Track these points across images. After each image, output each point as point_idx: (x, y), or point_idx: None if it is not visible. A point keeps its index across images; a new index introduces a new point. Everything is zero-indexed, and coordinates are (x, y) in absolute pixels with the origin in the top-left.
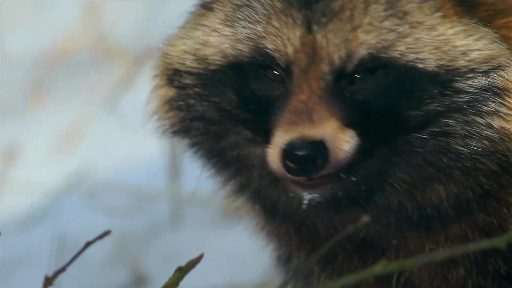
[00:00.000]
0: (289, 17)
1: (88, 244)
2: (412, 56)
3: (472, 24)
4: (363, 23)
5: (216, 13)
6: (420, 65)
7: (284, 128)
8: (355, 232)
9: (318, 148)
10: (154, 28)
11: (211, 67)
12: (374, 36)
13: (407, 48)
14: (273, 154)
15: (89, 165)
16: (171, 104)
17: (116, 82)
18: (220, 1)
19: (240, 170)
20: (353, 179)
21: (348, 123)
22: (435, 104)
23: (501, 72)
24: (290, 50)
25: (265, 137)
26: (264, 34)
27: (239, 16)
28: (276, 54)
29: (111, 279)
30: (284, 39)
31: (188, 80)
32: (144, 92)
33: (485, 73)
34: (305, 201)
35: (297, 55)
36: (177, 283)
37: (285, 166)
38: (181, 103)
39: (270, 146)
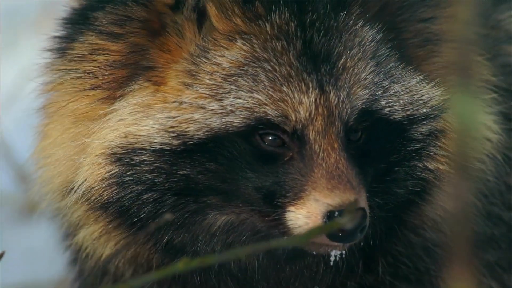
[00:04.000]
0: (300, 81)
1: None
2: (388, 110)
3: (423, 72)
4: (361, 78)
5: (195, 88)
6: (391, 117)
7: (323, 193)
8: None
9: (365, 218)
10: None
11: (191, 142)
12: (368, 91)
13: (386, 102)
14: (311, 219)
15: None
16: (112, 180)
17: None
18: (192, 73)
19: (182, 234)
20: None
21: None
22: (395, 155)
23: (443, 115)
24: (303, 114)
25: (263, 205)
26: (266, 102)
27: (229, 87)
28: (280, 120)
29: None
30: (296, 103)
31: (145, 157)
32: None
33: (435, 118)
34: (332, 258)
35: (312, 117)
36: None
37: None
38: (128, 178)
39: (300, 209)
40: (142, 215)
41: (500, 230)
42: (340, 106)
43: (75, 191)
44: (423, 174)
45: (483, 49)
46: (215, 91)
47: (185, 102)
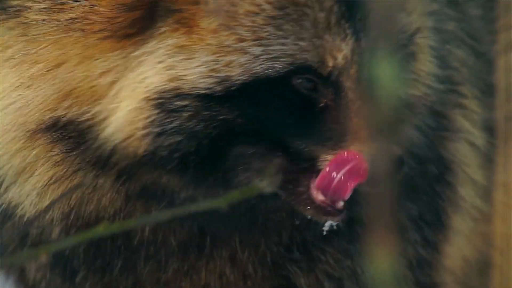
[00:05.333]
0: (340, 28)
1: None
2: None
3: None
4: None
5: (236, 31)
6: None
7: (366, 143)
8: None
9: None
10: None
11: (234, 87)
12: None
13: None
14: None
15: None
16: (150, 129)
17: None
18: (230, 15)
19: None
20: None
21: None
22: None
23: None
24: (341, 61)
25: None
26: (307, 48)
27: (272, 30)
28: (318, 66)
29: None
30: (334, 50)
31: (186, 103)
32: None
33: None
34: (326, 228)
35: (348, 65)
36: None
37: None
38: (169, 126)
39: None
40: (190, 165)
41: (425, 182)
42: (367, 53)
43: (105, 143)
44: None
45: None
46: (257, 34)
47: (227, 45)
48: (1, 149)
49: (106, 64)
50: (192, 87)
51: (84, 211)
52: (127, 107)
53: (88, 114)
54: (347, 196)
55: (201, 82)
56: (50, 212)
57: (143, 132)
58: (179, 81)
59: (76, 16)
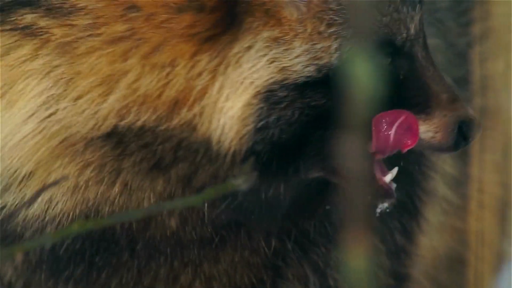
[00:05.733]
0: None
1: None
2: None
3: None
4: None
5: (323, 16)
6: None
7: (448, 107)
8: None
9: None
10: None
11: (329, 73)
12: None
13: None
14: (440, 133)
15: None
16: (254, 124)
17: None
18: (319, 3)
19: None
20: None
21: None
22: None
23: None
24: (413, 31)
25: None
26: (388, 23)
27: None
28: (395, 38)
29: None
30: (408, 21)
31: (286, 93)
32: None
33: None
34: (378, 209)
35: (418, 35)
36: None
37: (455, 139)
38: (271, 119)
39: (427, 125)
40: (259, 158)
41: (403, 169)
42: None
43: (206, 145)
44: None
45: None
46: (344, 17)
47: (319, 32)
48: (12, 156)
49: (195, 68)
50: (297, 77)
51: (102, 211)
52: (236, 105)
53: (175, 119)
54: (406, 149)
55: (305, 71)
56: (62, 212)
57: (249, 127)
58: (285, 72)
59: (134, 26)
